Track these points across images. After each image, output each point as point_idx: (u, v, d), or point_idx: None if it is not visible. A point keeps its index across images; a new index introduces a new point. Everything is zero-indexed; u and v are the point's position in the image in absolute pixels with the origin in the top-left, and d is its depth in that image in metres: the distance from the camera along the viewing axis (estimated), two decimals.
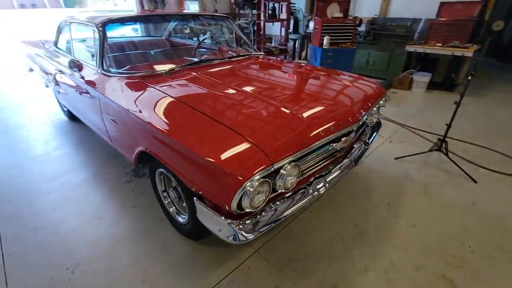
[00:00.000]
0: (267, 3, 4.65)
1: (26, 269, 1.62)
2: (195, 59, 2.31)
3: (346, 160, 1.83)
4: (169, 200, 1.86)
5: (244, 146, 1.22)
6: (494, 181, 2.49)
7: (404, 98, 4.73)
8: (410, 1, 5.70)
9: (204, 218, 1.38)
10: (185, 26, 2.89)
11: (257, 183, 1.17)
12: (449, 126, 2.60)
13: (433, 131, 3.39)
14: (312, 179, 1.66)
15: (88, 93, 2.15)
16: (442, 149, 2.68)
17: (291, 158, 1.29)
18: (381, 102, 2.22)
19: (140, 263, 1.67)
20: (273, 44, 5.67)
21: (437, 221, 2.01)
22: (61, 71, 2.60)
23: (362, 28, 5.84)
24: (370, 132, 2.28)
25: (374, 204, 2.19)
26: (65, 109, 3.58)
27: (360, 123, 1.73)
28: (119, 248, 1.77)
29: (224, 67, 2.28)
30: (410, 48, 5.07)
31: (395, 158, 2.82)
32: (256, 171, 1.15)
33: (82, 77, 2.15)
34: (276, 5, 5.02)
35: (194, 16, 3.00)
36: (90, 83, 2.09)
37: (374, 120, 2.18)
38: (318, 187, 1.57)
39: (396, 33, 5.49)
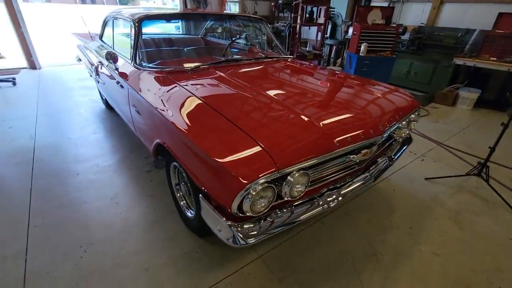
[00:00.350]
0: (305, 6, 4.57)
1: (45, 241, 1.75)
2: (222, 58, 2.33)
3: (365, 175, 1.72)
4: (180, 193, 1.90)
5: (253, 149, 1.19)
6: None
7: (446, 114, 4.35)
8: (463, 10, 5.24)
9: (206, 216, 1.37)
10: (217, 26, 2.93)
11: (260, 187, 1.14)
12: (492, 149, 2.33)
13: (474, 153, 3.07)
14: (325, 190, 1.57)
15: (120, 84, 2.28)
16: (482, 174, 2.41)
17: (300, 166, 1.24)
18: (412, 116, 2.06)
19: (147, 251, 1.71)
20: (307, 49, 5.56)
21: (465, 253, 1.80)
22: (101, 62, 2.79)
23: (406, 36, 5.51)
24: (398, 148, 2.13)
25: (394, 225, 2.02)
26: (103, 98, 3.85)
27: (384, 137, 1.61)
28: (130, 234, 1.84)
29: (249, 68, 2.28)
30: (458, 61, 4.66)
31: (426, 179, 2.59)
32: (261, 175, 1.12)
33: (117, 69, 2.29)
34: (315, 8, 4.92)
35: (228, 17, 3.04)
36: (123, 75, 2.21)
37: (403, 135, 2.03)
38: (329, 199, 1.49)
39: (444, 43, 5.09)
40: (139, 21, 2.20)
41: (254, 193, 1.13)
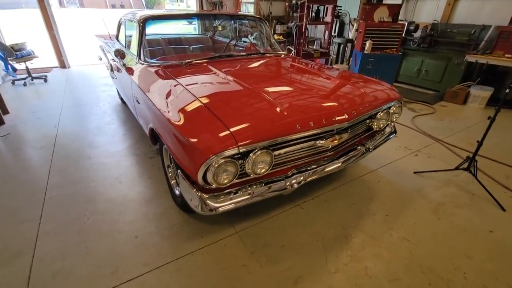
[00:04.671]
0: (311, 5, 4.68)
1: (57, 209, 2.05)
2: (217, 54, 2.54)
3: (335, 161, 1.83)
4: (171, 174, 2.13)
5: (219, 129, 1.38)
6: None
7: (453, 113, 4.26)
8: (480, 5, 5.07)
9: (183, 189, 1.58)
10: (219, 25, 3.15)
11: (222, 160, 1.32)
12: (480, 143, 2.33)
13: (473, 150, 3.02)
14: (295, 171, 1.72)
15: (126, 77, 2.56)
16: (471, 168, 2.42)
17: (261, 145, 1.40)
18: (393, 108, 2.14)
19: (138, 222, 1.96)
20: (314, 47, 5.64)
21: (436, 241, 1.86)
22: (113, 59, 3.11)
23: (418, 34, 5.42)
24: (380, 140, 2.21)
25: (371, 212, 2.11)
26: (119, 93, 4.22)
27: (350, 125, 1.73)
28: (126, 208, 2.09)
29: (239, 63, 2.47)
30: (470, 58, 4.53)
31: (414, 172, 2.63)
32: (221, 150, 1.30)
33: (124, 64, 2.57)
34: (321, 7, 5.00)
35: (228, 16, 3.25)
36: (129, 69, 2.49)
37: (382, 125, 2.11)
38: (293, 181, 1.63)
39: (456, 40, 4.96)
40: (143, 21, 2.46)
41: (216, 165, 1.31)
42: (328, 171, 1.78)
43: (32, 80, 5.29)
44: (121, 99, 4.25)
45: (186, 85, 1.82)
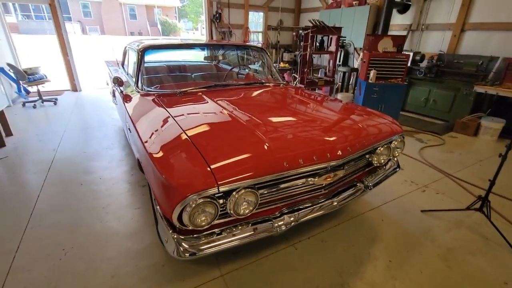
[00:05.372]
0: (314, 35, 4.75)
1: (36, 241, 1.95)
2: (213, 83, 2.52)
3: (329, 201, 1.69)
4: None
5: (199, 166, 1.28)
6: None
7: (464, 145, 4.06)
8: (486, 37, 5.04)
9: (159, 227, 1.46)
10: (219, 54, 3.18)
11: (200, 201, 1.21)
12: (492, 182, 2.14)
13: (486, 187, 2.80)
14: (285, 210, 1.58)
15: (122, 104, 2.55)
16: (484, 209, 2.21)
17: (244, 184, 1.29)
18: (394, 142, 2.02)
19: (119, 258, 1.82)
20: (319, 75, 5.66)
21: None
22: (114, 86, 3.15)
23: (424, 64, 5.38)
24: (381, 176, 2.06)
25: (372, 257, 1.91)
26: None
27: (345, 162, 1.60)
28: (108, 242, 1.97)
29: (236, 93, 2.42)
30: (479, 89, 4.42)
31: (422, 211, 2.42)
32: (199, 190, 1.20)
33: (121, 92, 2.58)
34: (325, 37, 5.07)
35: (230, 46, 3.30)
36: (125, 96, 2.48)
37: (383, 161, 1.98)
38: (280, 223, 1.48)
39: (463, 71, 4.88)
40: (143, 51, 2.50)
41: (193, 205, 1.20)
42: (321, 211, 1.63)
43: (42, 102, 5.45)
44: None
45: (175, 116, 1.77)
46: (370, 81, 4.35)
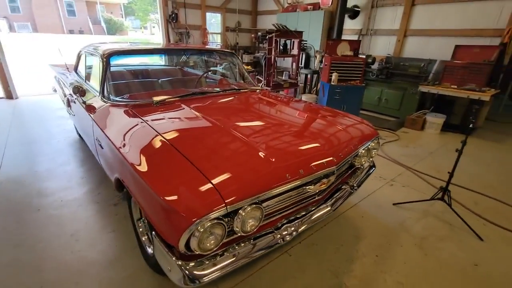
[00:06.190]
0: (278, 39, 4.85)
1: None
2: (189, 91, 2.39)
3: (324, 205, 1.74)
4: (142, 229, 1.84)
5: (201, 186, 1.20)
6: (504, 240, 2.23)
7: (415, 139, 4.54)
8: (425, 42, 5.71)
9: (158, 255, 1.34)
10: (190, 58, 3.04)
11: (209, 224, 1.13)
12: (451, 174, 2.42)
13: (441, 177, 3.18)
14: (284, 221, 1.58)
15: (86, 116, 2.28)
16: (445, 198, 2.49)
17: (251, 201, 1.25)
18: (372, 144, 2.15)
19: None
20: (283, 77, 5.81)
21: (429, 282, 1.81)
22: (71, 94, 2.80)
23: (375, 66, 5.88)
24: (362, 176, 2.19)
25: (360, 254, 2.02)
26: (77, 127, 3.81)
27: (338, 167, 1.66)
28: (85, 275, 1.74)
29: (216, 101, 2.35)
30: (423, 89, 4.97)
31: (394, 204, 2.64)
32: (208, 212, 1.12)
33: (84, 102, 2.30)
34: (288, 41, 5.21)
35: (197, 50, 3.17)
36: (88, 107, 2.22)
37: (364, 162, 2.09)
38: (284, 233, 1.48)
39: (409, 72, 5.47)
40: (107, 56, 2.26)
41: (202, 230, 1.12)
42: (319, 217, 1.66)
43: None
44: (79, 134, 3.83)
45: (159, 130, 1.63)
46: (332, 83, 4.60)
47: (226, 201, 1.17)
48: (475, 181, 3.14)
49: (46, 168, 3.05)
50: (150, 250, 1.75)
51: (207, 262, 1.27)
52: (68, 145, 3.69)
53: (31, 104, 5.58)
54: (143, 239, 1.83)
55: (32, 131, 4.10)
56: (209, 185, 1.20)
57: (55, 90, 4.19)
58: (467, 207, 2.64)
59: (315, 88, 6.06)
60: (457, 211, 2.40)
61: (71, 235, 2.07)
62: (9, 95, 5.75)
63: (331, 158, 1.59)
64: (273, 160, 1.42)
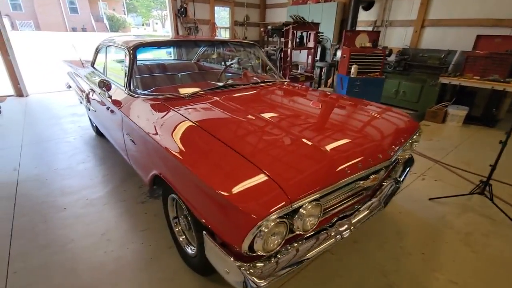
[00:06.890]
0: (295, 31, 4.71)
1: None
2: (220, 84, 2.29)
3: (374, 200, 1.64)
4: (179, 228, 1.76)
5: (260, 180, 1.11)
6: None
7: (438, 132, 4.41)
8: (444, 32, 5.54)
9: (211, 256, 1.25)
10: (211, 52, 2.93)
11: (273, 223, 1.04)
12: (493, 167, 2.31)
13: (472, 171, 3.06)
14: (335, 219, 1.48)
15: (113, 111, 2.19)
16: (486, 192, 2.38)
17: (313, 197, 1.15)
18: (414, 137, 2.04)
19: None
20: (299, 71, 5.68)
21: (483, 280, 1.71)
22: (92, 90, 2.71)
23: (392, 58, 5.72)
24: (402, 169, 2.08)
25: (406, 251, 1.92)
26: (94, 124, 3.72)
27: (392, 161, 1.56)
28: (122, 276, 1.66)
29: (247, 93, 2.25)
30: (444, 80, 4.82)
31: (430, 199, 2.53)
32: (273, 210, 1.02)
33: (110, 97, 2.21)
34: (304, 33, 5.08)
35: (222, 42, 3.06)
36: (116, 102, 2.13)
37: (406, 156, 1.99)
38: (341, 229, 1.39)
39: (428, 64, 5.30)
40: (134, 49, 2.16)
41: (266, 230, 1.02)
42: (371, 212, 1.56)
43: None
44: (97, 131, 3.75)
45: (201, 124, 1.53)
46: (352, 75, 4.47)
47: (291, 199, 1.07)
48: (510, 175, 3.02)
49: (66, 166, 2.97)
50: (190, 251, 1.67)
51: (259, 265, 1.16)
52: (85, 142, 3.61)
53: (42, 101, 5.50)
54: (181, 239, 1.75)
55: (46, 129, 4.03)
56: (269, 181, 1.10)
57: (69, 87, 4.10)
58: (508, 202, 2.52)
59: (330, 81, 5.93)
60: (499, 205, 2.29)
61: (101, 235, 1.99)
62: (20, 93, 5.68)
63: (386, 151, 1.48)
64: (330, 154, 1.32)
